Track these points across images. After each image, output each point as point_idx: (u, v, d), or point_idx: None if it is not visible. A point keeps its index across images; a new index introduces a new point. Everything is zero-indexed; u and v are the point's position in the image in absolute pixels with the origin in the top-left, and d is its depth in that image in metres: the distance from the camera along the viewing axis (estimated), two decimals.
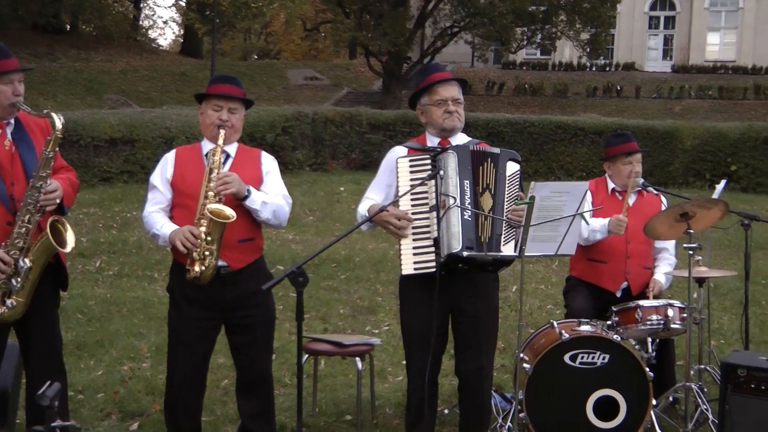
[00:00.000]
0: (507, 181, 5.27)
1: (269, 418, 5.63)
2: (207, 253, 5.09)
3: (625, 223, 6.52)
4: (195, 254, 5.09)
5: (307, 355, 6.39)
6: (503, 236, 5.17)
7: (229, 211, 5.06)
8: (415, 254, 5.22)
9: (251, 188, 5.26)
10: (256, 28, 58.67)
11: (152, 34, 65.85)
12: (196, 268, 5.10)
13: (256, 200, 5.26)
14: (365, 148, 23.75)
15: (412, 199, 5.26)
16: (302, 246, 13.54)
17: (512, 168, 5.32)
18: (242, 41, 64.00)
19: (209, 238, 5.08)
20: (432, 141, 5.54)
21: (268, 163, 5.56)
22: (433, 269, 5.16)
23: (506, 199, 5.24)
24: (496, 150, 5.33)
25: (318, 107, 26.49)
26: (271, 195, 5.38)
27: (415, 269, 5.23)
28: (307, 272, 4.52)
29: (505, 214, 5.20)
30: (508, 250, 5.19)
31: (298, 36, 57.83)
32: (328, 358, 7.39)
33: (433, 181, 5.19)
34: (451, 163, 5.17)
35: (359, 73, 45.46)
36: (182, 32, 56.15)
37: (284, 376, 7.44)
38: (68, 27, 45.99)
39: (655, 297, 6.67)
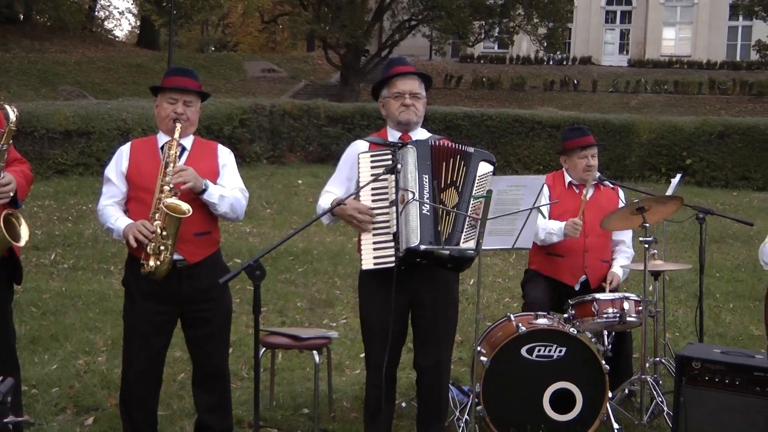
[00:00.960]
0: (477, 181, 5.24)
1: (226, 412, 5.60)
2: (162, 248, 5.05)
3: (581, 226, 6.57)
4: (150, 249, 5.05)
5: (264, 349, 6.36)
6: (464, 234, 5.16)
7: (185, 206, 5.02)
8: (375, 249, 5.21)
9: (208, 182, 5.23)
10: (213, 19, 58.35)
11: (108, 24, 65.18)
12: (151, 263, 5.06)
13: (213, 194, 5.23)
14: (323, 140, 23.73)
15: (372, 194, 5.25)
16: (259, 239, 13.50)
17: (484, 168, 5.30)
18: (199, 33, 63.59)
19: (164, 233, 5.03)
20: (393, 135, 5.53)
21: (225, 156, 5.52)
22: (393, 264, 5.15)
23: (473, 199, 5.24)
24: (471, 149, 5.31)
25: (276, 100, 26.47)
26: (228, 188, 5.35)
27: (375, 264, 5.22)
28: (264, 265, 4.51)
29: (470, 212, 5.19)
30: (469, 246, 5.19)
31: (255, 28, 57.61)
32: (285, 352, 7.39)
33: (392, 176, 5.17)
34: (410, 158, 5.15)
35: (317, 65, 45.34)
36: (139, 23, 55.76)
37: (241, 369, 7.41)
38: (21, 17, 45.45)
39: (612, 290, 6.72)
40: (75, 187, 17.32)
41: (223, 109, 21.72)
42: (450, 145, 5.31)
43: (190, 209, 5.02)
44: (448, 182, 5.20)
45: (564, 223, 6.60)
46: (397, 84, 5.48)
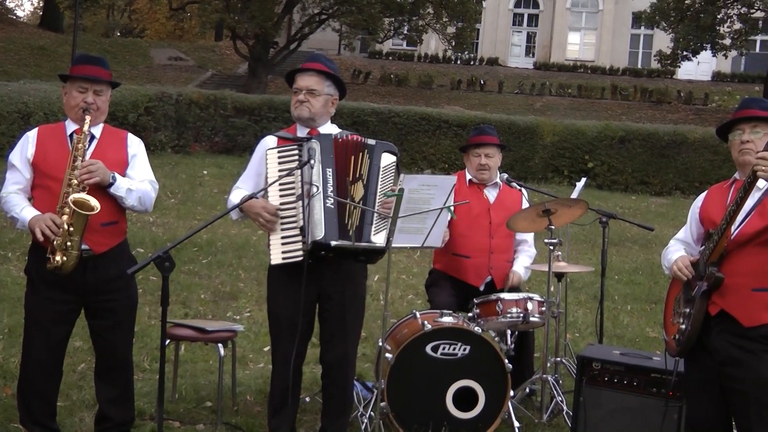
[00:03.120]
0: (381, 172, 5.31)
1: (128, 404, 5.54)
2: (69, 243, 4.96)
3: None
4: (56, 243, 4.96)
5: (168, 341, 6.29)
6: (374, 226, 5.21)
7: (94, 202, 4.94)
8: (283, 244, 5.25)
9: (116, 175, 5.16)
10: (120, 4, 57.43)
11: (9, 3, 63.62)
12: (57, 258, 4.97)
13: (121, 187, 5.17)
14: (229, 131, 23.54)
15: (280, 189, 5.28)
16: (163, 229, 13.36)
17: (387, 159, 5.36)
18: (105, 17, 62.57)
19: (71, 229, 4.94)
20: (302, 131, 5.56)
21: (135, 145, 5.45)
22: (301, 258, 5.18)
23: (379, 190, 5.28)
24: (372, 141, 5.38)
25: (182, 88, 26.15)
26: (137, 181, 5.29)
27: (283, 258, 5.25)
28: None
29: (377, 204, 5.23)
30: (379, 239, 5.24)
31: (163, 15, 56.70)
32: (188, 344, 7.32)
33: (299, 171, 5.20)
34: (308, 150, 5.19)
35: (225, 55, 44.98)
36: (42, 4, 54.58)
37: (143, 360, 7.32)
38: None
39: (513, 288, 6.81)
40: None
41: (129, 96, 21.35)
42: (352, 138, 5.37)
43: (98, 206, 4.94)
44: (356, 176, 5.26)
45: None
46: (296, 79, 5.55)
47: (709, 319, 4.62)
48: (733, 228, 4.52)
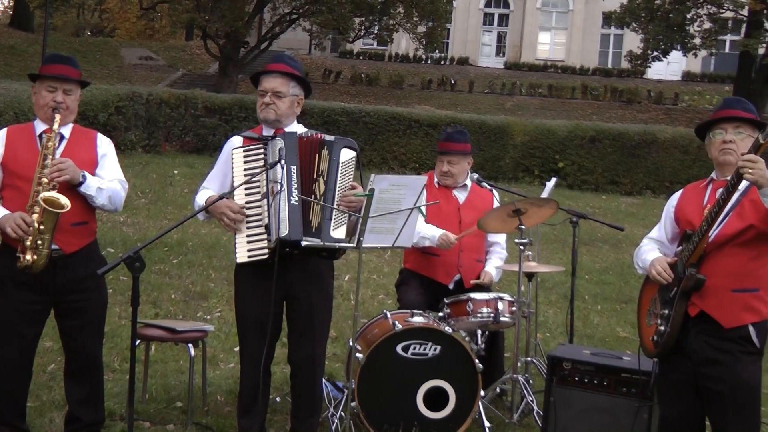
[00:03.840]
0: (340, 168, 5.33)
1: (98, 404, 5.52)
2: (39, 242, 4.94)
3: (454, 245, 6.70)
4: (27, 243, 4.94)
5: (138, 341, 6.27)
6: (333, 221, 5.24)
7: (64, 200, 4.92)
8: (249, 242, 5.28)
9: (86, 174, 5.14)
10: (90, 4, 57.12)
11: None
12: (28, 257, 4.95)
13: (91, 186, 5.15)
14: (200, 131, 23.48)
15: (246, 188, 5.32)
16: (133, 229, 13.31)
17: (347, 155, 5.38)
18: (75, 17, 62.19)
19: (42, 228, 4.92)
20: (268, 131, 5.58)
21: (104, 145, 5.43)
22: (266, 256, 5.21)
23: (339, 185, 5.30)
24: (331, 138, 5.40)
25: (153, 88, 26.08)
26: (107, 180, 5.27)
27: (249, 257, 5.28)
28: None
29: (336, 199, 5.25)
30: (338, 234, 5.26)
31: (133, 14, 56.38)
32: (158, 344, 7.30)
33: (266, 169, 5.22)
34: (279, 150, 5.21)
35: (195, 55, 44.84)
36: (12, 3, 54.18)
37: (113, 361, 7.29)
38: None
39: (484, 286, 6.84)
40: None
41: (99, 95, 21.23)
42: (314, 136, 5.40)
43: (69, 204, 4.93)
44: (319, 173, 5.30)
45: (440, 232, 6.70)
46: (262, 81, 5.56)
47: (688, 320, 4.64)
48: (711, 229, 4.55)
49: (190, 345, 6.26)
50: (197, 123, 23.51)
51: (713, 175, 4.82)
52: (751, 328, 4.55)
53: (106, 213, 5.78)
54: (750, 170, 4.19)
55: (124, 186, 5.40)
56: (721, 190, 4.48)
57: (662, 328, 4.70)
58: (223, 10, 34.21)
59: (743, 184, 4.41)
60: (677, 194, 5.04)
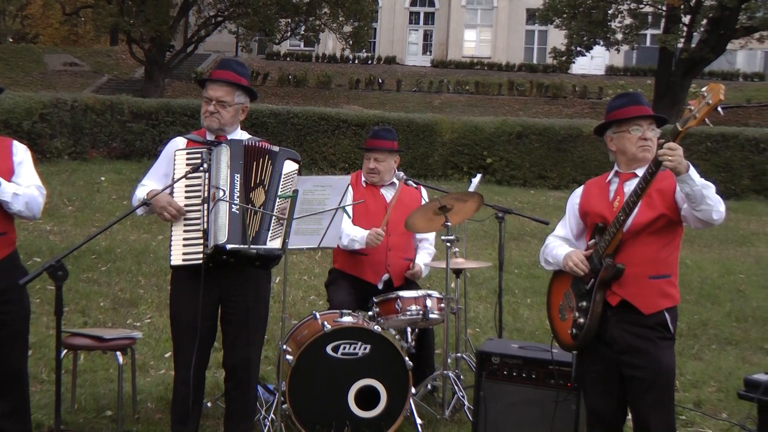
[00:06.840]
0: (282, 179, 5.32)
1: (24, 417, 5.43)
2: None
3: (383, 237, 6.70)
4: None
5: (65, 350, 6.19)
6: (271, 232, 5.23)
7: None
8: (184, 245, 5.25)
9: (1, 180, 5.06)
10: (11, 10, 56.18)
11: None
12: None
13: (6, 192, 5.06)
14: (127, 136, 23.26)
15: (186, 191, 5.29)
16: (60, 237, 13.14)
17: (290, 167, 5.38)
18: None
19: None
20: (211, 135, 5.54)
21: (20, 152, 5.33)
22: (200, 260, 5.18)
23: (279, 196, 5.28)
24: (276, 148, 5.38)
25: (78, 94, 25.79)
26: (23, 186, 5.18)
27: (183, 260, 5.25)
28: (65, 264, 4.41)
29: (275, 210, 5.24)
30: (274, 245, 5.25)
31: (57, 20, 55.67)
32: (87, 353, 7.22)
33: (207, 174, 5.22)
34: (223, 156, 5.22)
35: (120, 60, 44.42)
36: None
37: (41, 372, 7.19)
38: None
39: (414, 276, 6.87)
40: None
41: (23, 103, 20.92)
42: (259, 144, 5.37)
43: None
44: (258, 181, 5.28)
45: (367, 232, 6.72)
46: (207, 89, 5.51)
47: (606, 309, 4.72)
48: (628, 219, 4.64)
49: (118, 353, 6.19)
50: (124, 128, 23.29)
51: (617, 168, 4.93)
52: (666, 314, 4.67)
53: (30, 221, 5.68)
54: (670, 157, 4.28)
55: (42, 192, 5.29)
56: (637, 180, 4.58)
57: (582, 320, 4.76)
58: (148, 14, 33.95)
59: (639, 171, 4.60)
60: (579, 191, 5.16)
